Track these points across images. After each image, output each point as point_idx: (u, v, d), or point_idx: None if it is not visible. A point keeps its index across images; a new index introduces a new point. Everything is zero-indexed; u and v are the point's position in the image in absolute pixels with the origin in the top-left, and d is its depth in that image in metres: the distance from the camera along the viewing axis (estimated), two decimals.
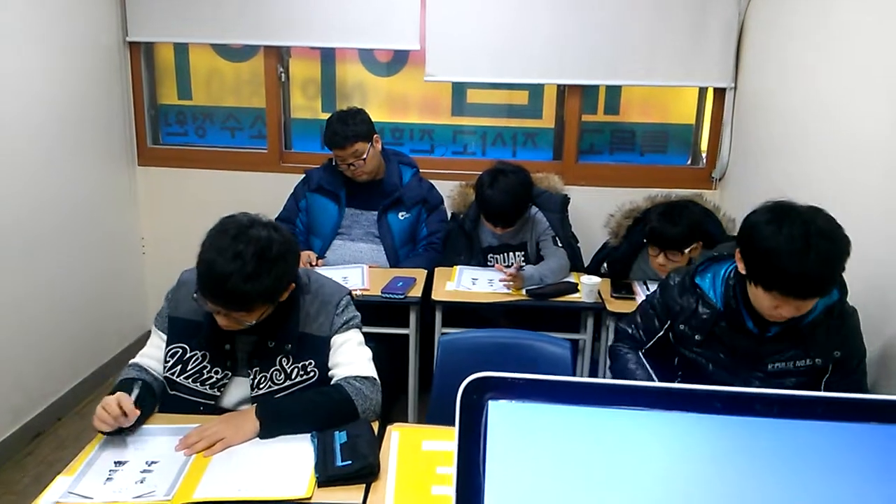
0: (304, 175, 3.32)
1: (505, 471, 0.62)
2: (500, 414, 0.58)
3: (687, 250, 2.69)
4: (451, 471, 1.56)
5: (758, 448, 0.62)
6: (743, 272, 1.84)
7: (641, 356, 2.12)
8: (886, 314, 2.06)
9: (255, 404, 1.76)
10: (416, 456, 1.66)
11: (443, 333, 2.31)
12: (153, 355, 1.88)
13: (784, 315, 1.77)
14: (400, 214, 3.19)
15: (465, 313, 2.86)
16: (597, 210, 3.36)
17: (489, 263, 3.10)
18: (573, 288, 2.80)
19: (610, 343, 2.27)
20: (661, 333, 2.07)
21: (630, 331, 2.15)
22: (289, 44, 3.72)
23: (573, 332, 2.90)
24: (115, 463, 1.59)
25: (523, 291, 2.78)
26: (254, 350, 1.80)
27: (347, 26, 3.58)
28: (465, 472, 0.60)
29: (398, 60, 3.83)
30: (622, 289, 2.81)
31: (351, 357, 1.82)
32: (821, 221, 1.71)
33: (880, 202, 2.17)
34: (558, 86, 3.76)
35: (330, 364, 1.82)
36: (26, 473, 2.85)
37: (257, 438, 1.69)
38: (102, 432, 1.65)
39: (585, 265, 3.22)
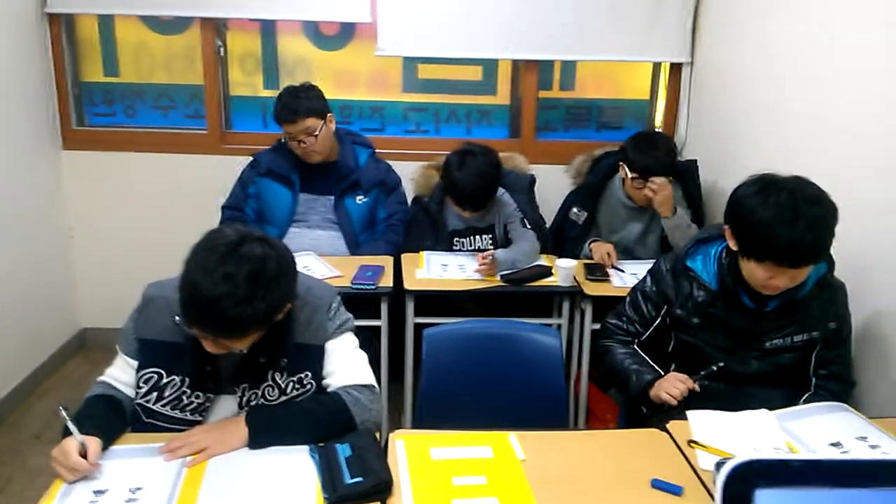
0: (251, 158, 3.11)
1: None
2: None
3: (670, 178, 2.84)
4: (469, 481, 1.46)
5: None
6: (734, 248, 1.83)
7: (634, 347, 2.07)
8: (858, 288, 2.07)
9: (245, 412, 1.60)
10: (428, 466, 1.54)
11: (424, 325, 2.18)
12: (121, 378, 1.68)
13: (779, 286, 1.77)
14: (357, 198, 3.03)
15: (434, 300, 2.75)
16: (557, 187, 3.30)
17: (455, 247, 2.98)
18: (547, 272, 2.73)
19: (599, 340, 2.19)
20: (659, 321, 2.03)
21: (623, 325, 2.10)
22: (228, 15, 3.47)
23: (546, 317, 2.84)
24: (94, 493, 1.41)
25: (497, 277, 2.69)
26: (241, 366, 1.62)
27: None
28: None
29: (345, 34, 3.63)
30: (595, 271, 2.76)
31: (347, 364, 1.68)
32: (807, 189, 1.72)
33: (839, 173, 2.19)
34: (513, 61, 3.65)
35: (324, 372, 1.67)
36: None
37: (246, 449, 1.54)
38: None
39: (548, 223, 3.21)
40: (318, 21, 3.55)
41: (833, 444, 1.65)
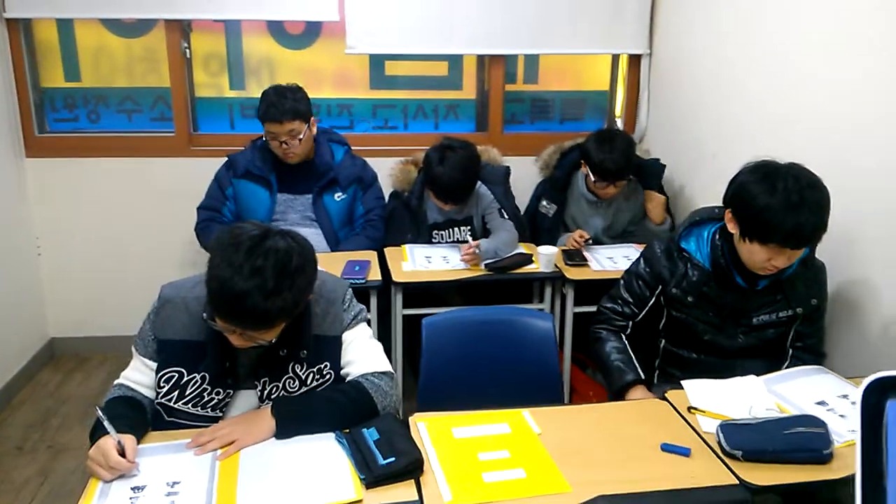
0: (226, 159, 3.11)
1: None
2: None
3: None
4: (494, 455, 1.54)
5: None
6: (733, 231, 1.94)
7: (622, 336, 2.18)
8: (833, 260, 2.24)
9: (269, 403, 1.65)
10: (453, 445, 1.62)
11: (420, 316, 2.25)
12: (140, 381, 1.70)
13: (777, 266, 1.90)
14: (336, 195, 3.07)
15: (418, 292, 2.82)
16: (527, 178, 3.40)
17: (434, 240, 3.06)
18: (528, 259, 2.83)
19: (592, 325, 2.30)
20: (653, 300, 2.14)
21: (619, 307, 2.20)
22: (194, 16, 3.44)
23: (527, 303, 2.94)
24: (132, 489, 1.44)
25: (482, 266, 2.77)
26: (260, 360, 1.67)
27: None
28: (869, 472, 0.57)
29: (310, 32, 3.65)
30: (575, 256, 2.87)
31: (364, 353, 1.74)
32: (807, 175, 1.85)
33: (793, 157, 2.36)
34: (478, 56, 3.74)
35: (343, 362, 1.73)
36: None
37: (274, 439, 1.59)
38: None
39: (522, 212, 3.31)
40: (285, 20, 3.56)
41: (819, 403, 1.79)
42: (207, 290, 1.51)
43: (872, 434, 0.56)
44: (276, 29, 3.63)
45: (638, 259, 2.22)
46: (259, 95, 2.97)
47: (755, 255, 1.90)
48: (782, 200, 1.80)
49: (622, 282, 2.24)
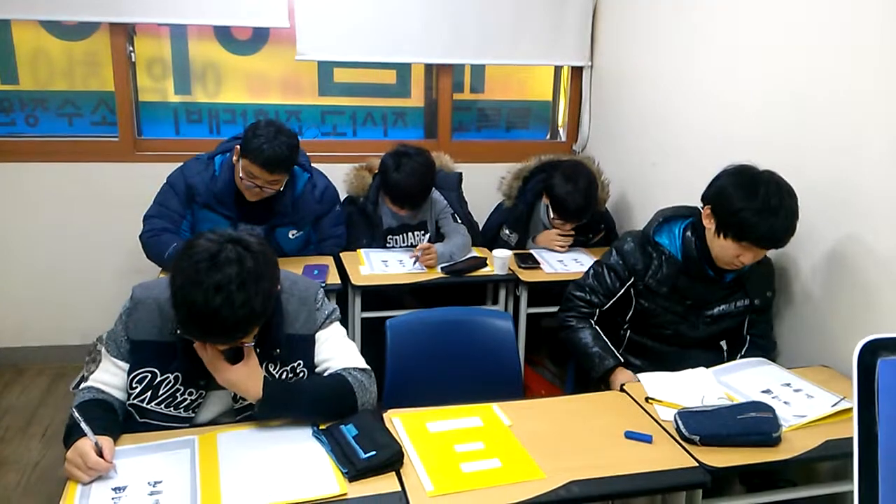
0: (183, 176, 2.83)
1: None
2: (890, 369, 0.65)
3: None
4: (469, 447, 1.60)
5: None
6: (708, 227, 2.11)
7: (593, 323, 2.28)
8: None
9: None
10: (429, 438, 1.67)
11: (377, 319, 2.29)
12: (110, 382, 1.68)
13: (744, 262, 2.07)
14: (290, 233, 2.91)
15: (371, 295, 2.85)
16: (474, 185, 3.48)
17: (389, 245, 3.10)
18: (483, 263, 2.90)
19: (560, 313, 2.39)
20: (623, 292, 2.26)
21: (586, 296, 2.31)
22: (140, 20, 3.39)
23: (481, 305, 3.02)
24: (113, 490, 1.43)
25: (438, 269, 2.83)
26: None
27: (202, 0, 3.34)
28: (864, 426, 0.66)
29: (258, 38, 3.65)
30: (527, 259, 2.97)
31: (342, 350, 1.77)
32: (783, 182, 2.02)
33: (728, 162, 2.56)
34: (426, 65, 3.81)
35: (318, 360, 1.76)
36: None
37: (255, 436, 1.62)
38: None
39: (481, 229, 3.34)
40: (234, 26, 3.55)
41: (764, 391, 1.92)
42: (175, 312, 1.52)
43: (867, 389, 0.65)
44: (223, 34, 3.61)
45: (610, 251, 2.34)
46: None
47: (726, 251, 2.06)
48: (762, 204, 1.96)
49: (592, 272, 2.35)
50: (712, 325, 2.24)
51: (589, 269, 2.38)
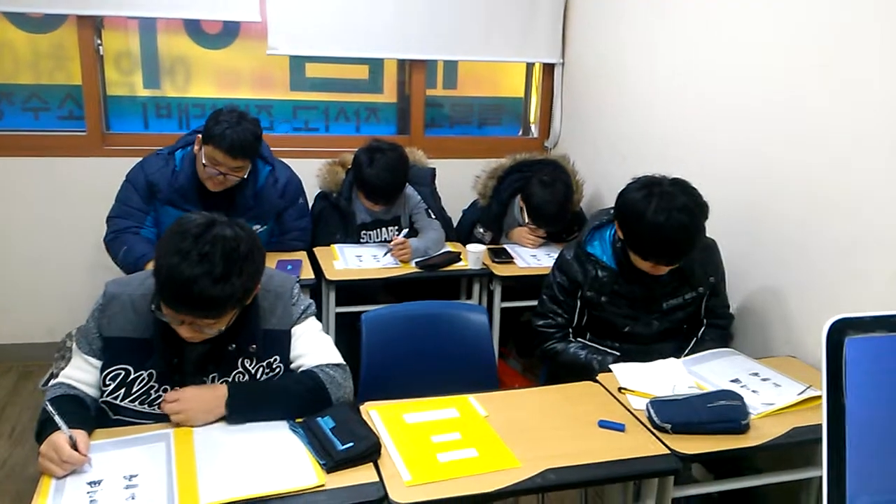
0: (142, 172, 2.77)
1: (864, 395, 0.70)
2: (856, 347, 0.68)
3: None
4: (446, 437, 1.61)
5: None
6: (622, 239, 2.13)
7: (572, 339, 2.29)
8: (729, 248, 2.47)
9: (224, 382, 1.67)
10: (406, 429, 1.68)
11: (351, 314, 2.29)
12: (82, 379, 1.66)
13: (662, 271, 2.12)
14: (254, 228, 2.84)
15: (345, 290, 2.85)
16: (448, 181, 3.49)
17: (362, 240, 3.10)
18: (457, 257, 2.92)
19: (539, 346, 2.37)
20: (579, 303, 2.28)
21: (554, 322, 2.29)
22: (108, 13, 3.34)
23: (455, 299, 3.03)
24: (88, 484, 1.42)
25: (412, 264, 2.84)
26: (208, 356, 1.67)
27: None
28: (832, 399, 0.69)
29: (229, 32, 3.62)
30: (501, 253, 2.99)
31: (316, 345, 1.77)
32: (685, 198, 2.03)
33: (697, 163, 2.62)
34: (399, 60, 3.82)
35: (293, 355, 1.75)
36: None
37: (227, 427, 1.61)
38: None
39: (455, 226, 3.35)
40: (203, 20, 3.52)
41: (733, 381, 1.96)
42: (155, 278, 1.51)
43: (835, 365, 0.68)
44: (193, 28, 3.58)
45: (552, 271, 2.34)
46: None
47: (639, 263, 2.12)
48: (656, 226, 1.99)
49: (545, 297, 2.32)
50: (665, 319, 2.26)
51: (541, 294, 2.35)
